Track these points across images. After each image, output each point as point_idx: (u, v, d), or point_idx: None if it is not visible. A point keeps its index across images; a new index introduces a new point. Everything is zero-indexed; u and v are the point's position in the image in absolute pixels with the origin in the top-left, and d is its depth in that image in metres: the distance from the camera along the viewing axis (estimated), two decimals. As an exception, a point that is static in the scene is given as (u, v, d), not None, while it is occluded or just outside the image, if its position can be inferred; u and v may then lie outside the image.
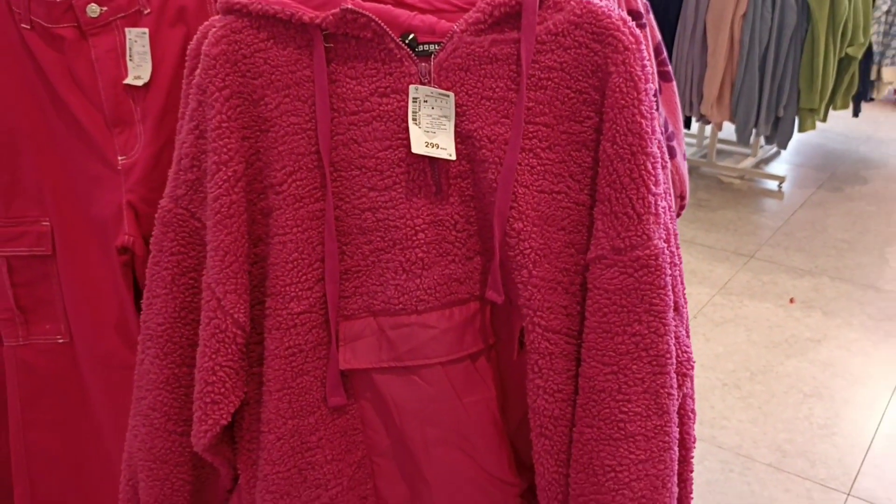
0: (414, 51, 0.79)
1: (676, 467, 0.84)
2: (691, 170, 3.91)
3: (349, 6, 0.76)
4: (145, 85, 1.04)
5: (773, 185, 3.89)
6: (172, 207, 0.85)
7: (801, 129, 3.45)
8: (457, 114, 0.79)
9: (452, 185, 0.82)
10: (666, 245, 0.80)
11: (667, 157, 0.87)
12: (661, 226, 0.79)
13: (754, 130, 3.44)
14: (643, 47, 0.78)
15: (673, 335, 0.81)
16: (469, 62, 0.79)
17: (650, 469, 0.82)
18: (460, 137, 0.80)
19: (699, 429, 0.89)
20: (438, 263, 0.84)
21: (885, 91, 3.75)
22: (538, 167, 0.80)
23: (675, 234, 0.88)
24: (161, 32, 1.03)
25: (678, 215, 1.10)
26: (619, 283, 0.79)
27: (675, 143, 1.13)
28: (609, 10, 0.77)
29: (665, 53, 1.14)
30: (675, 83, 1.18)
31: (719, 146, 4.13)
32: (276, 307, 0.83)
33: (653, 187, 0.78)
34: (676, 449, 0.84)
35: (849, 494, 1.93)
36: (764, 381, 2.36)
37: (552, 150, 0.80)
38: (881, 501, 1.91)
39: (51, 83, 1.03)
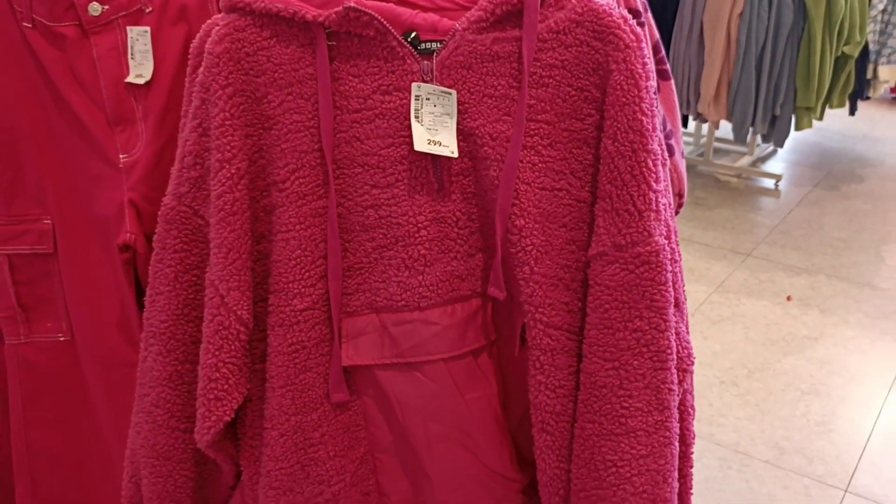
0: (416, 49, 0.79)
1: (677, 462, 0.85)
2: (688, 168, 3.91)
3: (352, 4, 0.76)
4: (147, 83, 1.04)
5: (769, 183, 3.90)
6: (175, 205, 0.85)
7: (797, 128, 3.46)
8: (459, 111, 0.80)
9: (454, 183, 0.83)
10: (667, 242, 0.80)
11: (666, 154, 0.88)
12: (662, 222, 0.80)
13: (751, 129, 3.45)
14: (644, 45, 0.79)
15: (673, 331, 0.82)
16: (471, 60, 0.79)
17: (651, 464, 0.82)
18: (462, 135, 0.81)
19: (697, 426, 0.90)
20: (440, 260, 0.84)
21: (881, 90, 3.76)
22: (540, 164, 0.81)
23: (675, 232, 0.89)
24: (163, 31, 1.03)
25: (676, 213, 1.11)
26: (620, 280, 0.80)
27: (673, 142, 1.13)
28: (610, 8, 0.78)
29: (663, 52, 1.15)
30: (672, 81, 1.19)
31: (716, 145, 4.14)
32: (279, 304, 0.84)
33: (653, 184, 0.78)
34: (677, 444, 0.84)
35: (846, 491, 1.94)
36: (761, 379, 2.37)
37: (553, 147, 0.81)
38: (878, 498, 1.92)
39: (52, 82, 1.04)
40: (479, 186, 0.83)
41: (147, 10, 1.03)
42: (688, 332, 0.89)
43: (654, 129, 0.79)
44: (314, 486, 0.89)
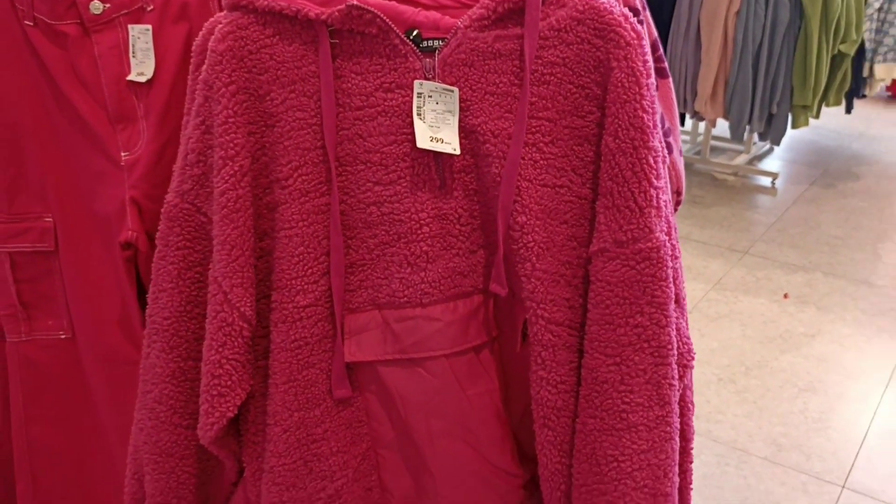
0: (418, 46, 0.80)
1: (678, 457, 0.85)
2: (685, 166, 3.91)
3: (355, 2, 0.77)
4: (148, 81, 1.04)
5: (766, 181, 3.91)
6: (178, 202, 0.85)
7: (794, 126, 3.47)
8: (461, 109, 0.80)
9: (456, 180, 0.83)
10: (667, 238, 0.81)
11: (665, 151, 0.88)
12: (663, 219, 0.80)
13: (748, 127, 3.46)
14: (644, 43, 0.79)
15: (674, 327, 0.82)
16: (473, 58, 0.79)
17: (652, 459, 0.83)
18: (464, 132, 0.81)
19: (695, 423, 0.91)
20: (443, 257, 0.84)
21: (877, 88, 3.78)
22: (541, 161, 0.81)
23: (675, 228, 0.89)
24: (164, 29, 1.04)
25: (674, 211, 1.11)
26: (621, 276, 0.80)
27: (671, 140, 1.14)
28: (611, 6, 0.78)
29: (661, 50, 1.15)
30: (671, 79, 1.19)
31: (713, 143, 4.15)
32: (282, 301, 0.84)
33: (654, 181, 0.79)
34: (678, 439, 0.85)
35: (843, 487, 1.95)
36: (759, 376, 2.38)
37: (555, 144, 0.81)
38: (875, 494, 1.93)
39: (54, 80, 1.04)
40: (480, 183, 0.83)
41: (148, 9, 1.03)
42: (688, 329, 0.90)
43: (654, 126, 0.79)
44: (317, 482, 0.89)
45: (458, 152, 0.81)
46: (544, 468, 0.87)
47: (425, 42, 0.80)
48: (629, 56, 0.77)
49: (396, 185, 0.82)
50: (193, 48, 0.83)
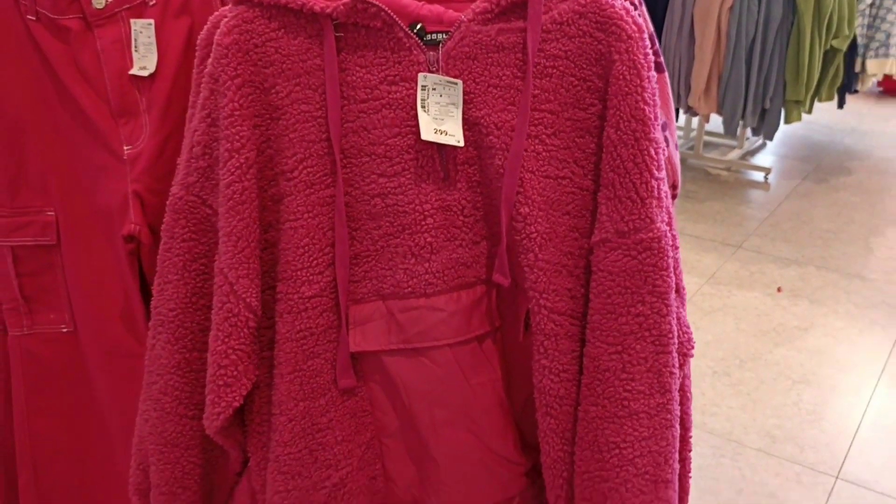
0: (422, 40, 0.80)
1: (678, 444, 0.86)
2: (680, 161, 3.94)
3: (359, -4, 0.78)
4: (151, 75, 1.05)
5: (759, 176, 3.93)
6: (184, 195, 0.86)
7: (786, 121, 3.49)
8: (464, 101, 0.81)
9: (460, 171, 0.84)
10: (668, 228, 0.82)
11: (664, 144, 0.90)
12: (664, 209, 0.81)
13: (741, 122, 3.48)
14: (645, 36, 0.80)
15: (675, 316, 0.84)
16: (476, 51, 0.80)
17: (653, 446, 0.84)
18: (468, 124, 0.82)
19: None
20: (446, 248, 0.85)
21: (869, 83, 3.80)
22: (543, 153, 0.82)
23: (674, 219, 0.90)
24: (166, 23, 1.04)
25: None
26: (622, 266, 0.81)
27: (667, 133, 1.15)
28: (612, -1, 0.79)
29: (658, 44, 1.17)
30: (666, 74, 1.20)
31: (706, 138, 4.17)
32: (287, 291, 0.85)
33: (655, 171, 0.80)
34: (678, 426, 0.86)
35: (837, 478, 1.97)
36: (753, 369, 2.40)
37: (557, 136, 0.82)
38: (869, 484, 1.95)
39: (56, 74, 1.04)
40: (484, 175, 0.84)
41: (151, 3, 1.04)
42: (687, 318, 0.91)
43: (655, 118, 0.80)
44: (322, 471, 0.90)
45: (461, 144, 0.81)
46: (546, 456, 0.88)
47: (429, 35, 0.81)
48: (631, 49, 0.78)
49: (400, 177, 0.83)
50: (198, 42, 0.83)
